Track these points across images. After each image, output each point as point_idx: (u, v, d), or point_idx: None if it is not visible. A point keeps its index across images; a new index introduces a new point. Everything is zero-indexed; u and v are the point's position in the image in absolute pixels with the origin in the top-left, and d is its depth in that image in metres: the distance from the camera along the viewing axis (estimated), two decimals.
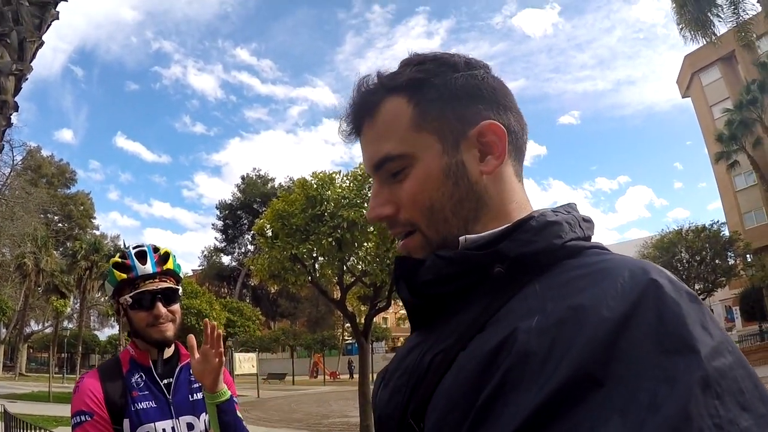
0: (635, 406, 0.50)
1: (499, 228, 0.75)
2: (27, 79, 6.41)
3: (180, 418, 1.94)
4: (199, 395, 2.00)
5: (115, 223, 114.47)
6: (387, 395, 0.82)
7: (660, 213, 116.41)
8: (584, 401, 0.52)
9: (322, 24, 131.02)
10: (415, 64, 0.82)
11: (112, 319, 47.55)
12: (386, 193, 0.81)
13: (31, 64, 6.38)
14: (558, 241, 0.71)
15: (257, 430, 14.79)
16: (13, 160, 24.49)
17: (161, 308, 1.96)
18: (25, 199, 25.78)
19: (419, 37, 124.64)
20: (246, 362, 28.41)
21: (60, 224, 57.54)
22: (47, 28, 6.68)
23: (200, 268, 68.94)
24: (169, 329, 1.98)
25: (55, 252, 46.04)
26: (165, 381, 1.99)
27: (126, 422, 1.85)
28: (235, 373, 26.72)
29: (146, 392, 1.93)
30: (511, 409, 0.56)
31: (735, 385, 0.52)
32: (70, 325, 53.55)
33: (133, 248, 2.06)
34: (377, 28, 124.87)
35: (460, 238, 0.76)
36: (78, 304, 49.25)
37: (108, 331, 59.66)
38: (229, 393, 1.91)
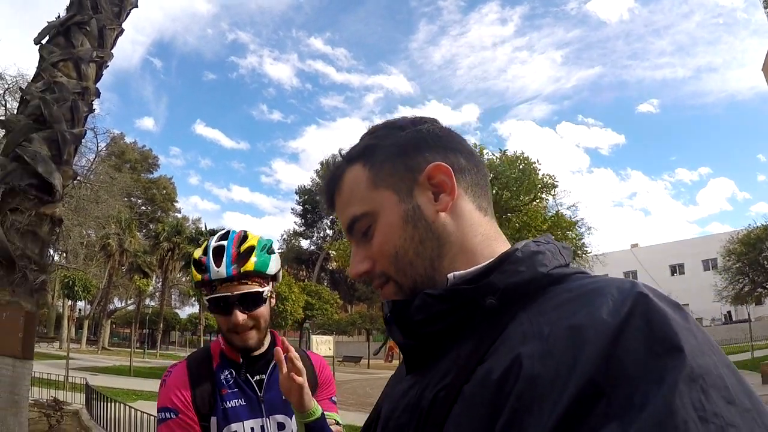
0: (630, 409, 0.53)
1: (485, 262, 0.79)
2: (108, 66, 6.59)
3: (271, 416, 1.82)
4: None
5: (196, 207, 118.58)
6: None
7: (743, 207, 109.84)
8: (592, 411, 0.54)
9: (394, 13, 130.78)
10: (369, 133, 0.92)
11: (193, 298, 49.44)
12: (362, 252, 0.88)
13: (112, 51, 6.55)
14: (543, 269, 0.75)
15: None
16: (97, 147, 25.52)
17: (239, 316, 1.77)
18: (110, 183, 26.91)
19: (493, 24, 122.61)
20: (323, 344, 28.81)
21: (143, 207, 60.09)
22: (126, 16, 6.84)
23: (279, 251, 70.55)
24: (251, 337, 1.81)
25: (138, 233, 48.12)
26: (257, 377, 1.86)
27: (213, 420, 1.76)
28: None
29: (236, 389, 1.82)
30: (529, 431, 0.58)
31: (720, 382, 0.54)
32: (152, 303, 56.14)
33: (216, 240, 1.85)
34: (450, 15, 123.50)
35: (448, 275, 0.79)
36: (160, 283, 51.30)
37: (188, 310, 62.18)
38: (320, 410, 1.67)
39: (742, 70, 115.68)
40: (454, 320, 0.76)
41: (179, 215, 63.11)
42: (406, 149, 0.86)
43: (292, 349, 1.68)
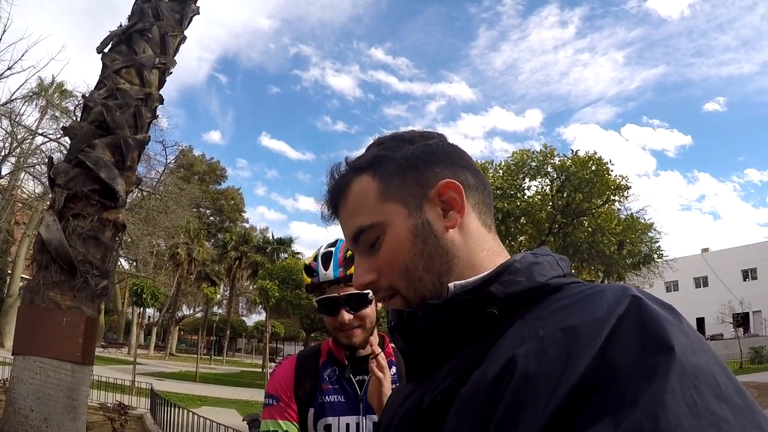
0: (622, 404, 0.53)
1: (484, 273, 0.79)
2: (171, 73, 6.63)
3: (368, 415, 1.90)
4: None
5: (263, 217, 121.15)
6: None
7: None
8: (585, 408, 0.55)
9: (453, 20, 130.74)
10: (377, 144, 0.92)
11: (260, 306, 50.33)
12: (366, 263, 0.87)
13: (174, 58, 6.59)
14: (542, 279, 0.76)
15: None
16: (166, 159, 26.32)
17: (345, 315, 1.88)
18: (178, 194, 27.61)
19: (553, 27, 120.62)
20: None
21: (212, 217, 61.58)
22: (188, 23, 6.88)
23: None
24: (356, 335, 1.90)
25: (206, 243, 49.35)
26: (359, 377, 1.95)
27: (310, 412, 1.88)
28: None
29: (336, 386, 1.93)
30: (523, 427, 0.58)
31: (712, 379, 0.54)
32: (219, 311, 57.36)
33: (325, 247, 1.97)
34: (509, 20, 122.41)
35: (449, 285, 0.80)
36: (227, 292, 52.37)
37: (255, 317, 63.38)
38: None
39: None
40: (455, 329, 0.78)
41: (247, 225, 64.49)
42: (416, 163, 0.86)
43: (383, 363, 1.81)
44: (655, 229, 24.91)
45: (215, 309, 55.70)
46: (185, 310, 58.99)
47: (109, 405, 10.88)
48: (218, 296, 52.09)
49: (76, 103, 23.17)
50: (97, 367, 19.78)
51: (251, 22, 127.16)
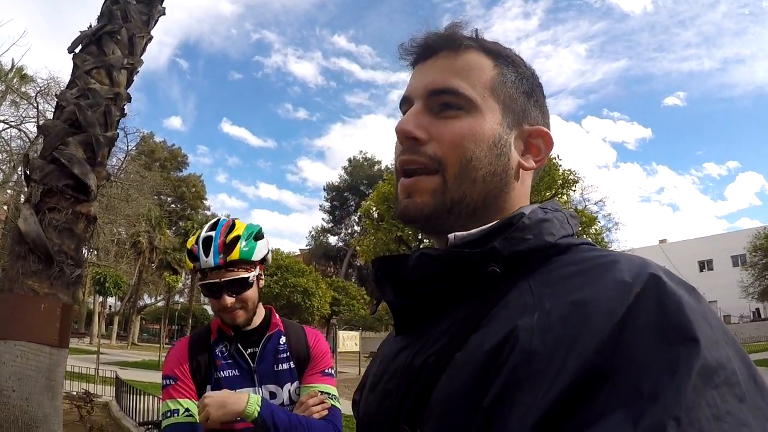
0: (638, 397, 0.50)
1: (487, 225, 0.76)
2: (138, 72, 6.93)
3: (263, 386, 2.00)
4: (284, 366, 2.05)
5: (224, 204, 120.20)
6: (376, 400, 0.80)
7: None
8: (593, 396, 0.52)
9: (417, 9, 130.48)
10: (501, 45, 0.85)
11: None
12: (425, 120, 0.79)
13: (141, 58, 6.90)
14: (550, 238, 0.72)
15: None
16: (127, 146, 26.14)
17: (227, 299, 1.97)
18: (140, 182, 27.45)
19: (516, 18, 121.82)
20: (349, 340, 28.99)
21: (173, 205, 60.71)
22: (155, 24, 7.18)
23: (308, 247, 71.23)
24: (239, 316, 2.00)
25: (168, 231, 48.83)
26: (250, 350, 2.05)
27: (208, 389, 1.95)
28: (338, 350, 27.52)
29: (230, 361, 2.01)
30: (520, 409, 0.55)
31: (734, 377, 0.52)
32: (181, 299, 57.09)
33: (206, 230, 2.05)
34: (473, 10, 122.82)
35: (449, 236, 0.76)
36: (189, 280, 52.04)
37: None
38: (255, 412, 1.82)
39: None
40: (452, 284, 0.73)
41: (208, 213, 63.90)
42: (531, 92, 0.83)
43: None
44: (608, 222, 25.85)
45: (177, 297, 55.40)
46: (147, 299, 58.45)
47: (74, 393, 11.06)
48: (180, 285, 51.83)
49: (38, 89, 22.90)
50: None
51: (213, 6, 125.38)
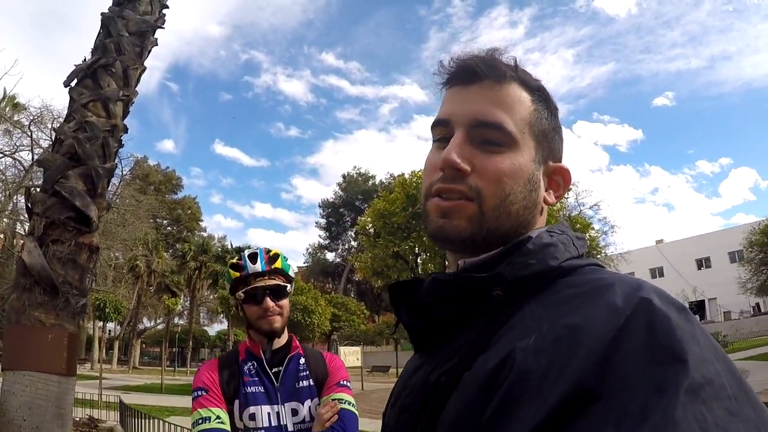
0: (627, 417, 0.51)
1: (493, 251, 0.79)
2: (133, 103, 7.10)
3: (285, 404, 2.12)
4: (305, 383, 2.18)
5: (220, 225, 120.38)
6: (396, 414, 0.84)
7: (766, 196, 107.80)
8: (583, 416, 0.54)
9: (404, 23, 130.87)
10: (536, 78, 0.87)
11: (221, 315, 49.82)
12: (468, 152, 0.80)
13: (136, 89, 7.08)
14: (554, 262, 0.75)
15: (361, 421, 15.12)
16: (122, 171, 26.27)
17: (269, 302, 2.15)
18: (135, 206, 27.62)
19: (503, 28, 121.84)
20: (350, 355, 28.87)
21: (169, 228, 60.80)
22: (148, 54, 7.36)
23: (305, 265, 70.80)
24: (277, 321, 2.17)
25: (165, 254, 48.68)
26: (275, 369, 2.18)
27: (236, 403, 2.07)
28: None
29: (256, 378, 2.14)
30: (514, 426, 0.58)
31: (723, 392, 0.53)
32: (181, 322, 56.69)
33: (248, 252, 2.28)
34: (460, 21, 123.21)
35: (459, 262, 0.81)
36: (188, 302, 51.72)
37: (217, 327, 62.60)
38: None
39: (757, 57, 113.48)
40: (462, 306, 0.76)
41: (205, 234, 63.87)
42: (557, 130, 0.87)
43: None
44: (604, 225, 25.97)
45: (177, 320, 55.16)
46: (146, 323, 58.16)
47: (78, 419, 11.10)
48: (179, 307, 51.60)
49: (31, 117, 23.09)
50: None
51: (202, 29, 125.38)
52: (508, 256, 0.77)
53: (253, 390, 2.12)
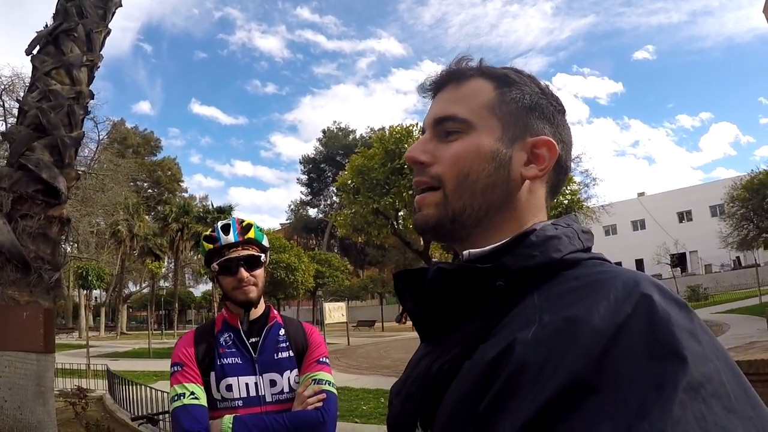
0: (625, 411, 0.52)
1: (499, 242, 0.81)
2: (99, 68, 6.82)
3: (264, 375, 2.12)
4: (284, 354, 2.19)
5: (201, 185, 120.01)
6: (400, 402, 0.86)
7: (747, 151, 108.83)
8: (579, 408, 0.55)
9: None
10: (514, 69, 0.91)
11: (206, 276, 49.86)
12: (431, 146, 0.87)
13: (101, 53, 6.79)
14: (557, 254, 0.75)
15: (346, 377, 15.30)
16: (98, 136, 25.81)
17: (243, 273, 2.15)
18: (114, 170, 27.17)
19: None
20: (336, 311, 29.10)
21: (150, 190, 60.25)
22: (111, 17, 7.05)
23: (288, 222, 71.01)
24: (252, 291, 2.17)
25: (147, 217, 48.45)
26: (252, 340, 2.18)
27: (212, 375, 2.08)
28: (326, 322, 27.55)
29: (233, 350, 2.14)
30: (510, 416, 0.59)
31: (722, 389, 0.54)
32: (166, 284, 56.77)
33: (221, 223, 2.27)
34: None
35: (464, 252, 0.83)
36: (172, 264, 51.79)
37: (202, 287, 63.07)
38: (228, 427, 1.98)
39: (739, 12, 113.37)
40: (466, 296, 0.78)
41: (186, 195, 63.54)
42: (535, 107, 0.87)
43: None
44: (586, 177, 25.96)
45: (162, 283, 55.20)
46: (132, 287, 58.29)
47: (68, 390, 11.06)
48: (163, 270, 51.60)
49: (2, 87, 22.42)
50: None
51: None
52: (513, 247, 0.78)
53: (230, 361, 2.12)
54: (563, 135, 0.89)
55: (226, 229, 2.22)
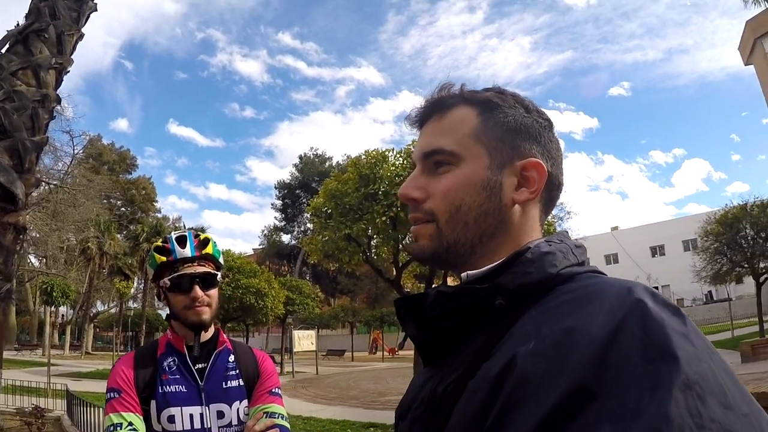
0: (623, 414, 0.53)
1: (496, 261, 0.81)
2: (68, 72, 6.59)
3: (210, 405, 1.92)
4: (233, 383, 1.99)
5: (174, 206, 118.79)
6: (407, 426, 0.85)
7: (719, 187, 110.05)
8: (580, 415, 0.55)
9: (362, 5, 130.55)
10: (497, 92, 0.91)
11: None
12: (422, 181, 0.88)
13: (71, 57, 6.56)
14: (553, 270, 0.76)
15: (313, 407, 15.01)
16: (73, 150, 25.34)
17: (198, 291, 1.95)
18: (86, 186, 26.67)
19: (462, 12, 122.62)
20: (305, 339, 28.86)
21: (123, 208, 59.51)
22: (86, 21, 6.84)
23: (261, 247, 70.21)
24: (206, 312, 1.97)
25: (118, 235, 47.74)
26: (199, 366, 1.98)
27: (153, 404, 1.87)
28: (295, 350, 27.22)
29: (177, 376, 1.93)
30: (515, 429, 0.59)
31: (717, 387, 0.55)
32: (134, 305, 55.70)
33: (175, 234, 2.06)
34: (418, 5, 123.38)
35: (462, 275, 0.84)
36: (142, 285, 50.89)
37: None
38: None
39: (713, 51, 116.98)
40: (467, 317, 0.78)
41: (159, 215, 62.69)
42: (521, 129, 0.86)
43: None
44: (559, 210, 26.10)
45: (130, 303, 54.12)
46: (99, 306, 57.03)
47: (25, 409, 10.62)
48: (132, 290, 50.59)
49: None
50: (11, 371, 19.00)
51: (158, 5, 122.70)
52: (509, 266, 0.79)
53: (173, 389, 1.91)
54: (552, 152, 0.88)
55: (181, 241, 2.02)
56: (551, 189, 0.88)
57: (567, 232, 0.89)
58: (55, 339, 49.59)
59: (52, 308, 42.74)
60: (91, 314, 49.97)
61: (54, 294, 22.09)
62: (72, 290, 23.75)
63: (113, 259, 44.13)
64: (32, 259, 39.51)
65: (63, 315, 56.36)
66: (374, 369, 29.76)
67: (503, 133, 0.85)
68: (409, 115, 0.95)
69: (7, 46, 6.13)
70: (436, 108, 0.90)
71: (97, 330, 59.14)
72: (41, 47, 6.05)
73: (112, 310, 55.74)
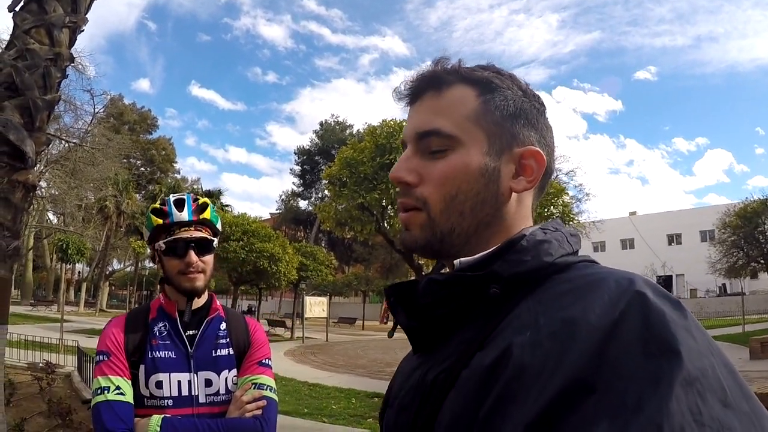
0: (622, 408, 0.52)
1: (490, 249, 0.79)
2: (83, 31, 6.54)
3: (199, 372, 1.91)
4: (223, 351, 1.97)
5: (194, 168, 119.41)
6: (393, 414, 0.84)
7: (740, 179, 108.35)
8: (579, 408, 0.54)
9: None
10: (493, 71, 0.86)
11: None
12: (416, 163, 0.83)
13: (86, 15, 6.51)
14: (548, 258, 0.75)
15: (320, 374, 15.15)
16: (94, 108, 25.40)
17: (193, 256, 1.93)
18: (106, 144, 26.76)
19: None
20: (316, 306, 29.02)
21: (142, 168, 59.83)
22: None
23: (278, 212, 70.45)
24: (200, 279, 1.95)
25: (136, 195, 48.08)
26: (189, 332, 1.95)
27: (141, 368, 1.86)
28: (306, 316, 27.44)
29: (167, 342, 1.92)
30: (510, 420, 0.58)
31: (717, 384, 0.54)
32: (150, 265, 56.40)
33: (173, 197, 2.02)
34: None
35: (455, 261, 0.80)
36: None
37: None
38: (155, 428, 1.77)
39: (743, 41, 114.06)
40: (459, 306, 0.76)
41: (178, 176, 62.95)
42: (520, 114, 0.83)
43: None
44: (579, 192, 25.73)
45: (146, 263, 54.81)
46: (115, 265, 57.77)
47: (38, 364, 10.83)
48: (148, 250, 51.12)
49: None
50: (26, 327, 19.22)
51: None
52: (503, 253, 0.77)
53: (163, 354, 1.90)
54: (547, 138, 0.86)
55: (179, 204, 1.98)
56: (545, 177, 0.85)
57: (560, 221, 0.87)
58: (71, 296, 50.46)
59: (69, 265, 43.49)
60: (107, 272, 50.67)
61: (69, 251, 22.33)
62: (87, 248, 23.98)
63: (130, 218, 44.51)
64: (50, 215, 40.08)
65: (79, 272, 57.23)
66: (384, 339, 29.69)
67: (502, 118, 0.82)
68: (397, 89, 0.89)
69: (21, 4, 6.10)
70: (431, 84, 0.85)
71: (113, 288, 60.14)
72: (55, 5, 6.01)
73: (128, 269, 56.43)
